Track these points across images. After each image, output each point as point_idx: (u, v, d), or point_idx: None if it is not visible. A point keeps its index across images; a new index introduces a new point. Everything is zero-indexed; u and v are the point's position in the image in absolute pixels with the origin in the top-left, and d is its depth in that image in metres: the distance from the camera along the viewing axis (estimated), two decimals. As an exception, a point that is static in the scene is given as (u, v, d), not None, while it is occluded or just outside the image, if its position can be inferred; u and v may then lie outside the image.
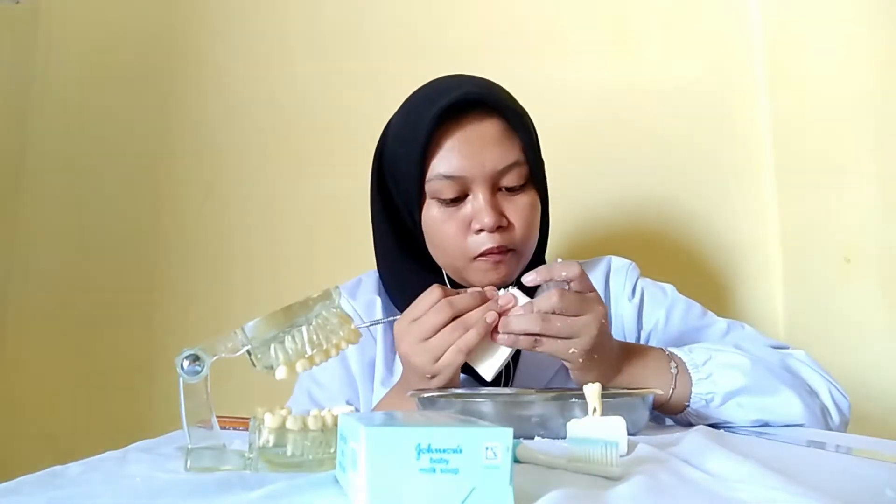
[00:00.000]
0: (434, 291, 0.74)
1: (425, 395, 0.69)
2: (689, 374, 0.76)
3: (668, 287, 0.96)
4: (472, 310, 0.72)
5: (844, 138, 1.14)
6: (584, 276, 0.73)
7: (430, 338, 0.72)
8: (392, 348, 0.89)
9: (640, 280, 0.97)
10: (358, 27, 1.39)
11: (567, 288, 0.73)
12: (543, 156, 0.91)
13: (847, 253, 1.13)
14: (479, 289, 0.75)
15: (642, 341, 0.94)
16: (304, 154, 1.36)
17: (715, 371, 0.76)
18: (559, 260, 0.74)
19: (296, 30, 1.40)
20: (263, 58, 1.39)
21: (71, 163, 1.37)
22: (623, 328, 0.94)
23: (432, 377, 0.73)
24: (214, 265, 1.34)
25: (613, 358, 0.76)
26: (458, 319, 0.72)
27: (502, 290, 0.75)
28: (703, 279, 1.29)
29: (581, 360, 0.71)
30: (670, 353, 0.78)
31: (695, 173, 1.32)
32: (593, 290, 0.75)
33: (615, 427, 0.54)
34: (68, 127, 1.38)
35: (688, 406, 0.75)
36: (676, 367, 0.76)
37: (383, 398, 0.84)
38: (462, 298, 0.73)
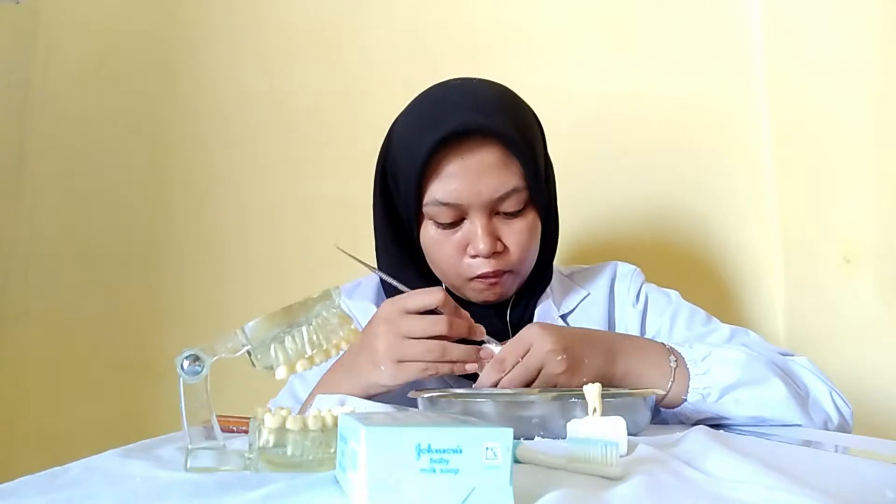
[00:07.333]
0: (437, 295, 0.73)
1: (426, 395, 0.69)
2: (688, 369, 0.76)
3: (673, 293, 0.96)
4: (461, 333, 0.73)
5: (844, 138, 1.14)
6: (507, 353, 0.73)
7: (410, 339, 0.72)
8: None
9: (644, 286, 0.97)
10: (359, 28, 1.39)
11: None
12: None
13: (847, 253, 1.13)
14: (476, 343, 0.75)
15: None
16: (304, 155, 1.36)
17: (713, 366, 0.76)
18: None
19: (296, 29, 1.40)
20: (263, 58, 1.39)
21: (71, 163, 1.37)
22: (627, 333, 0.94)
23: (384, 370, 0.73)
24: (214, 265, 1.34)
25: (602, 354, 0.76)
26: (441, 343, 0.71)
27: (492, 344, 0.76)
28: (704, 281, 1.29)
29: (562, 374, 0.72)
30: (670, 347, 0.78)
31: (695, 175, 1.32)
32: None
33: (615, 427, 0.54)
34: (68, 127, 1.38)
35: (685, 400, 0.76)
36: (676, 361, 0.76)
37: (328, 371, 0.82)
38: (460, 325, 0.73)
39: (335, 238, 1.30)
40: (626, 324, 0.94)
